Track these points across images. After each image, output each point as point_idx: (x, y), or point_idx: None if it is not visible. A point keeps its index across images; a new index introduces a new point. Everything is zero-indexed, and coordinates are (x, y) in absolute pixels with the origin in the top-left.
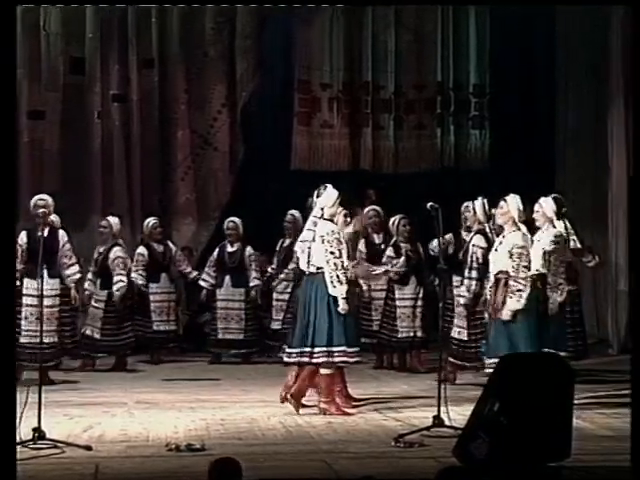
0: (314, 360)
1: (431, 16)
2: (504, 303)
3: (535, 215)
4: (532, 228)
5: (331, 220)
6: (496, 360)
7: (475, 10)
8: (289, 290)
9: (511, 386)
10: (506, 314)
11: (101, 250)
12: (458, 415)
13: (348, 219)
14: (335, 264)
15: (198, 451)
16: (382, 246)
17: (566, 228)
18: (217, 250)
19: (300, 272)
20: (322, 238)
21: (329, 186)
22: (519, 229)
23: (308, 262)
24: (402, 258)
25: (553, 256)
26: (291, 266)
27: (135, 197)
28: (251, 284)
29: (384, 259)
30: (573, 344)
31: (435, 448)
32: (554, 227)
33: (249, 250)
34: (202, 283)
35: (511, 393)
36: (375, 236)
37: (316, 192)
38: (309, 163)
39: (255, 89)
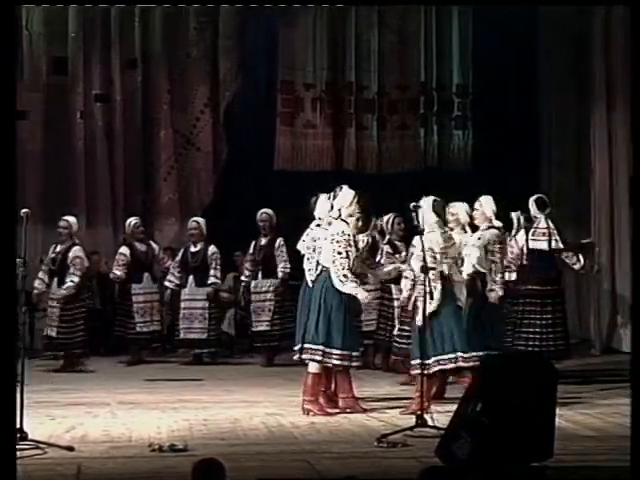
0: (326, 359)
1: (414, 17)
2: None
3: (474, 214)
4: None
5: (346, 221)
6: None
7: (458, 10)
8: (271, 289)
9: (493, 386)
10: (419, 319)
11: (58, 249)
12: (441, 415)
13: (360, 223)
14: (341, 264)
15: (181, 451)
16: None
17: (549, 228)
18: (182, 250)
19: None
20: (332, 238)
21: (345, 187)
22: (433, 231)
23: (317, 262)
24: (403, 253)
25: (494, 255)
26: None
27: (118, 197)
28: (208, 281)
29: (382, 258)
30: (554, 344)
31: (418, 448)
32: (493, 227)
33: (212, 249)
34: (167, 284)
35: (493, 393)
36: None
37: (332, 194)
38: (292, 163)
39: (238, 89)
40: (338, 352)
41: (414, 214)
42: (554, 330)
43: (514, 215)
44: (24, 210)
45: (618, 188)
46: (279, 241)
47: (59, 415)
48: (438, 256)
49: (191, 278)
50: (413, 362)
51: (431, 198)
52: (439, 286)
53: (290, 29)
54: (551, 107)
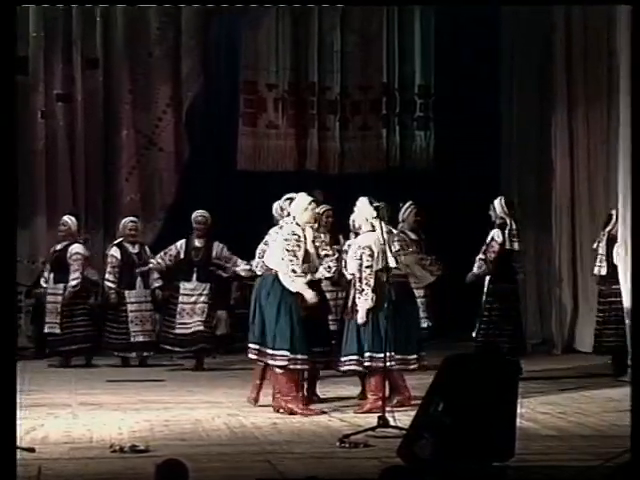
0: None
1: (377, 17)
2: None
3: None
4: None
5: (298, 224)
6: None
7: (420, 11)
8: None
9: (455, 386)
10: (360, 316)
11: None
12: (403, 415)
13: (316, 225)
14: (291, 260)
15: (142, 452)
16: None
17: (511, 229)
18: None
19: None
20: (284, 238)
21: (300, 194)
22: (369, 230)
23: (264, 262)
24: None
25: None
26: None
27: (79, 197)
28: (154, 285)
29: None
30: (509, 341)
31: (380, 448)
32: (373, 229)
33: (148, 250)
34: (108, 284)
35: (455, 393)
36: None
37: (289, 200)
38: (255, 163)
39: (200, 89)
40: (271, 352)
41: (379, 214)
42: (509, 329)
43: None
44: None
45: (579, 188)
46: (217, 244)
47: (19, 416)
48: (375, 255)
49: (139, 280)
50: (345, 358)
51: (366, 198)
52: (372, 284)
53: (253, 29)
54: (513, 107)
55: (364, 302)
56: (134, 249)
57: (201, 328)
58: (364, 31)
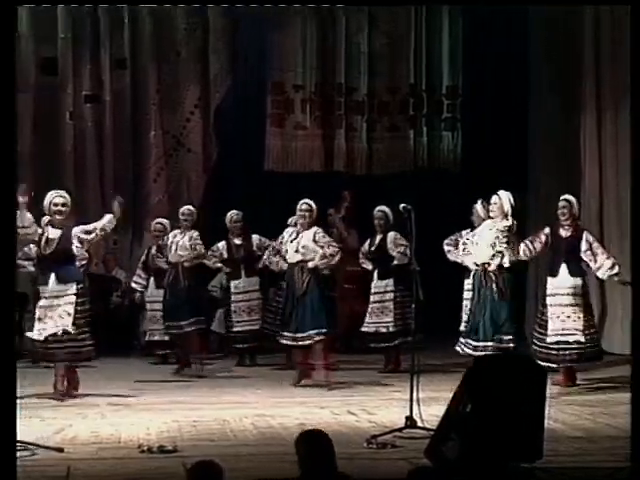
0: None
1: (404, 19)
2: None
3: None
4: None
5: None
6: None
7: (449, 12)
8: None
9: (483, 387)
10: None
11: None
12: (430, 416)
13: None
14: None
15: (170, 453)
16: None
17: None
18: (145, 252)
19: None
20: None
21: None
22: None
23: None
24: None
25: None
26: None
27: (107, 198)
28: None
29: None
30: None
31: (407, 449)
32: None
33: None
34: (134, 285)
35: (483, 394)
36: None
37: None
38: (282, 164)
39: (228, 90)
40: None
41: (406, 216)
42: None
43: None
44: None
45: (607, 190)
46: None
47: (48, 416)
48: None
49: (152, 280)
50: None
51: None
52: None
53: (280, 30)
54: (541, 108)
55: None
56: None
57: (256, 327)
58: (391, 32)
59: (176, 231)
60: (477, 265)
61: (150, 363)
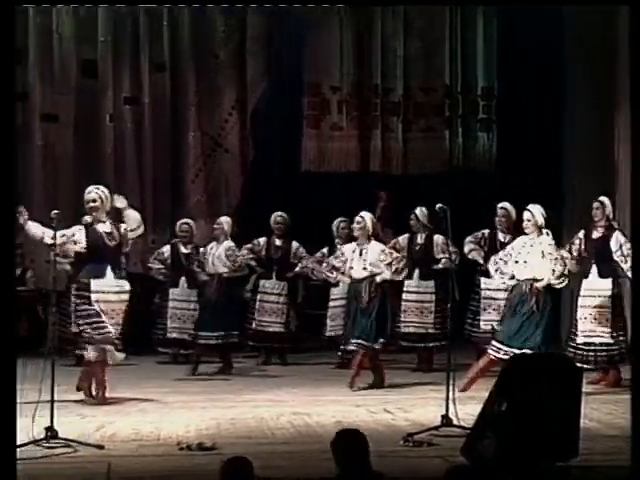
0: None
1: (439, 20)
2: None
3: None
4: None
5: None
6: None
7: (483, 13)
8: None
9: (519, 385)
10: None
11: (202, 250)
12: (466, 415)
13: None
14: None
15: (209, 450)
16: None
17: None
18: (169, 249)
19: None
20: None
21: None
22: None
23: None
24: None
25: None
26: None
27: (147, 199)
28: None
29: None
30: None
31: (443, 447)
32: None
33: (202, 251)
34: (162, 278)
35: (519, 392)
36: None
37: None
38: (319, 165)
39: (265, 91)
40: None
41: (441, 216)
42: None
43: None
44: (54, 212)
45: None
46: (295, 244)
47: (89, 414)
48: None
49: (182, 279)
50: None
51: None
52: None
53: (316, 32)
54: (576, 108)
55: None
56: (186, 249)
57: (281, 330)
58: (426, 34)
59: (213, 243)
60: (527, 279)
61: (157, 362)
